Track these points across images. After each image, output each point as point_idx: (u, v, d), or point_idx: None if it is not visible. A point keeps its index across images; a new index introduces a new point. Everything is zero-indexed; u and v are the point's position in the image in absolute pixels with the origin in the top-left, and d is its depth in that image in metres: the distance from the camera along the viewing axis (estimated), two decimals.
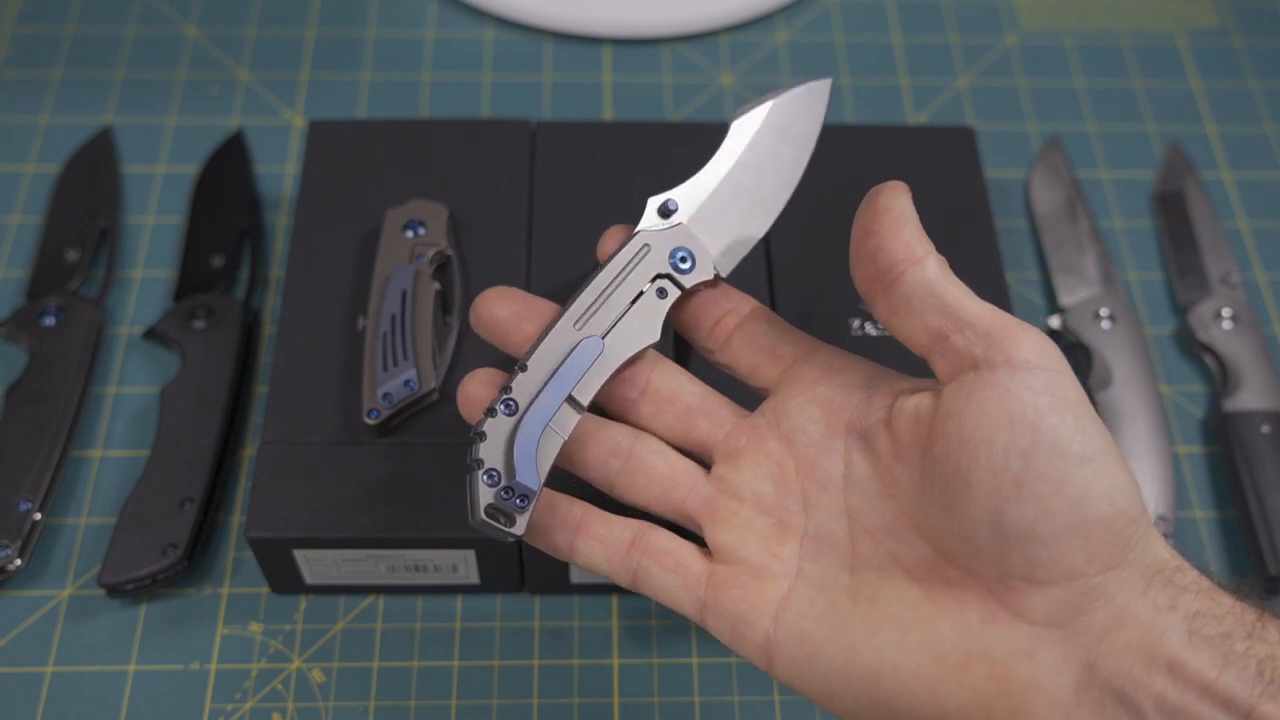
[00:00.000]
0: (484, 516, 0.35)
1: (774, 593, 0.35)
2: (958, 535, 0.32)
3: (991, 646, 0.31)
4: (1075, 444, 0.30)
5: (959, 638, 0.31)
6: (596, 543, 0.38)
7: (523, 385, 0.37)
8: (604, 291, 0.38)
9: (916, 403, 0.34)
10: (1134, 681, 0.29)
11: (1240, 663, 0.29)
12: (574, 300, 0.38)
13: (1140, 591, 0.30)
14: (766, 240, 0.52)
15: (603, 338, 0.38)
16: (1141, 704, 0.29)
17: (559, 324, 0.38)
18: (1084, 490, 0.30)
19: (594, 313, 0.38)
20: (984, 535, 0.31)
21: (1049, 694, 0.30)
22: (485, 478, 0.35)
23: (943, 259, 0.34)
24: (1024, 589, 0.31)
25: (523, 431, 0.36)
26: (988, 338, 0.32)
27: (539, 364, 0.37)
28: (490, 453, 0.36)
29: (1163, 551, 0.31)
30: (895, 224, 0.34)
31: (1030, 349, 0.32)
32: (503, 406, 0.36)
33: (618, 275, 0.38)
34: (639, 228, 0.39)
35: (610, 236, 0.40)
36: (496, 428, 0.36)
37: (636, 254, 0.39)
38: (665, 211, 0.39)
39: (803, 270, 0.51)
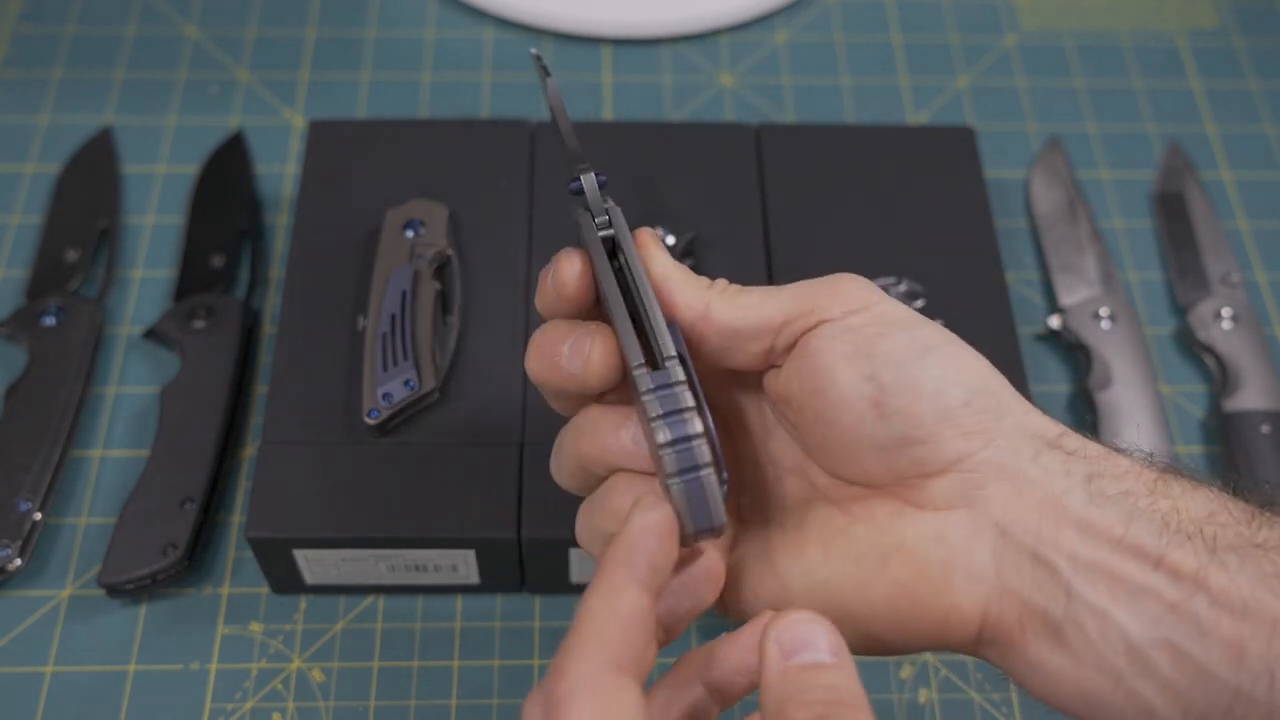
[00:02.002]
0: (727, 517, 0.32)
1: (718, 547, 0.36)
2: (845, 465, 0.34)
3: (903, 538, 0.33)
4: (914, 348, 0.32)
5: (874, 537, 0.33)
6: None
7: (676, 372, 0.32)
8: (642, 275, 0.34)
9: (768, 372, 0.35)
10: (1045, 541, 0.31)
11: (1145, 516, 0.31)
12: (644, 299, 0.34)
13: (1030, 458, 0.32)
14: (767, 238, 0.52)
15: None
16: (1055, 561, 0.31)
17: (654, 319, 0.33)
18: (937, 386, 0.32)
19: (652, 297, 0.34)
20: (867, 458, 0.33)
21: (965, 568, 0.32)
22: (720, 479, 0.32)
23: (721, 286, 0.34)
24: (920, 483, 0.33)
25: (709, 419, 0.32)
26: (801, 318, 0.33)
27: (671, 350, 0.33)
28: (710, 449, 0.32)
29: (1039, 419, 0.33)
30: (668, 292, 0.34)
31: (842, 302, 0.33)
32: (691, 398, 0.32)
33: (632, 254, 0.34)
34: (603, 210, 0.35)
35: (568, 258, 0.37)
36: (698, 424, 0.32)
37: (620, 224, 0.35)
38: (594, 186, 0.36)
39: (803, 268, 0.51)
